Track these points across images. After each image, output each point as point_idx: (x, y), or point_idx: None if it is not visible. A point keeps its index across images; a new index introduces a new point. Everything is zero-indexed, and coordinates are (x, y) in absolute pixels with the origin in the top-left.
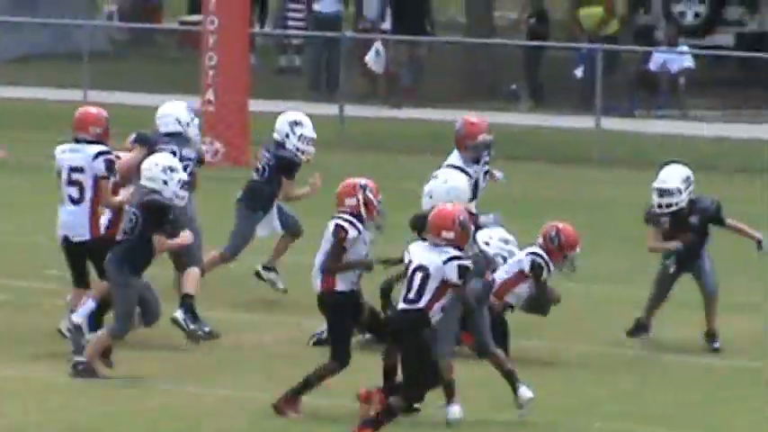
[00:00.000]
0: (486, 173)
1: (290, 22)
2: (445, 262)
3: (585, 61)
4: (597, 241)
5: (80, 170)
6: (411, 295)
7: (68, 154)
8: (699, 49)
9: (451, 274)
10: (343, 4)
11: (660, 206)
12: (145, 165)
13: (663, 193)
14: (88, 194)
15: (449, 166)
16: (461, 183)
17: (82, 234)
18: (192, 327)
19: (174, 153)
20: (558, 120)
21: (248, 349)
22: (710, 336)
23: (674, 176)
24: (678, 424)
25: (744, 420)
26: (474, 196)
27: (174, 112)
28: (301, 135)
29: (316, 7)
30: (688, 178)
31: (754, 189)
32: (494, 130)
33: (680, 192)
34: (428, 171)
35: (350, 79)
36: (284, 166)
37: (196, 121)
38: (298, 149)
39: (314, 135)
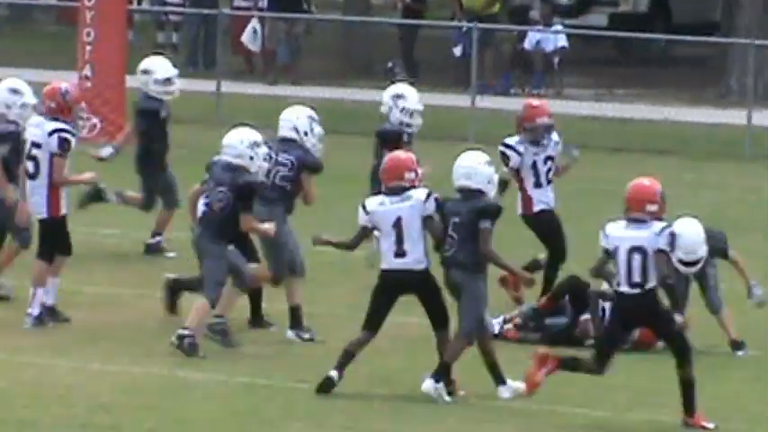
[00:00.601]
0: (547, 158)
1: None
2: (658, 234)
3: (464, 40)
4: None
5: (38, 146)
6: (636, 278)
7: (32, 129)
8: (573, 28)
9: (664, 243)
10: None
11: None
12: (229, 141)
13: None
14: (44, 170)
15: (502, 144)
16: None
17: (39, 212)
18: (306, 336)
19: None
20: (433, 98)
21: (123, 324)
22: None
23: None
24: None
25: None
26: (536, 178)
27: (292, 118)
28: (404, 108)
29: None
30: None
31: (626, 168)
32: (374, 108)
33: None
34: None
35: (226, 56)
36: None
37: (317, 129)
38: (401, 123)
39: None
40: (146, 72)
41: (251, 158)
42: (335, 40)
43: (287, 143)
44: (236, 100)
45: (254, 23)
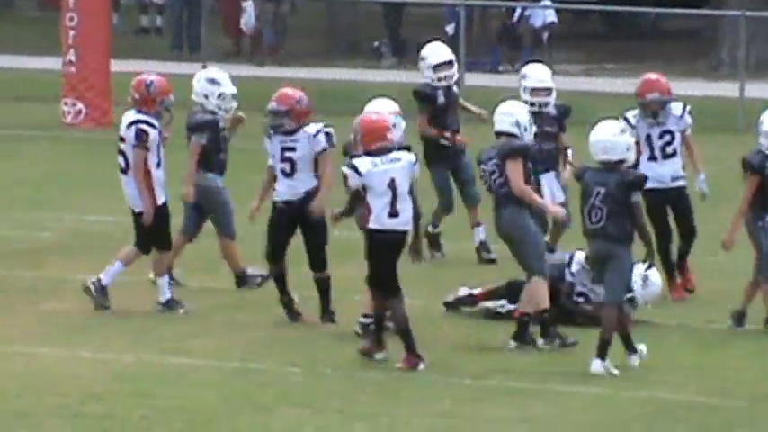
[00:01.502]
0: (664, 132)
1: None
2: None
3: (456, 17)
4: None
5: (123, 139)
6: None
7: (122, 124)
8: (562, 3)
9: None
10: None
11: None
12: (374, 109)
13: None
14: (131, 164)
15: (622, 117)
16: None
17: (135, 205)
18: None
19: None
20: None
21: (113, 311)
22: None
23: None
24: None
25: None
26: (650, 152)
27: (513, 111)
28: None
29: None
30: None
31: None
32: (361, 88)
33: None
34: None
35: (212, 39)
36: None
37: (530, 127)
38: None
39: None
40: (213, 82)
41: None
42: (321, 20)
43: None
44: None
45: (246, 4)
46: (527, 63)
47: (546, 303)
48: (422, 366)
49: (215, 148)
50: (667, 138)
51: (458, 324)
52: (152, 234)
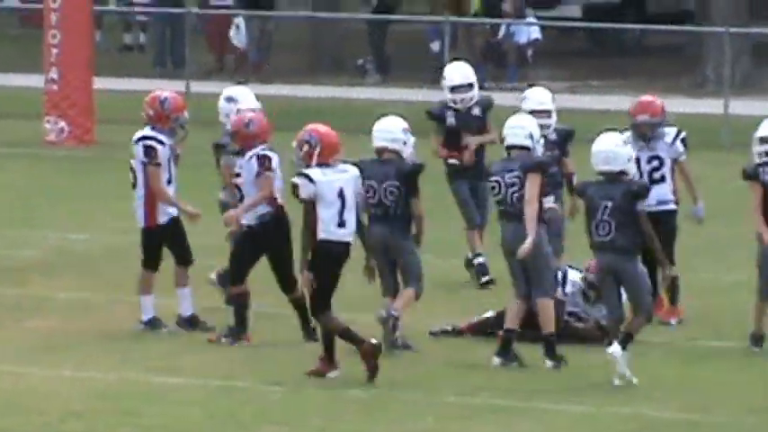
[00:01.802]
0: (652, 158)
1: None
2: None
3: (441, 35)
4: (437, 211)
5: (132, 156)
6: None
7: (132, 140)
8: (546, 20)
9: None
10: None
11: (760, 155)
12: (384, 126)
13: (764, 140)
14: (140, 180)
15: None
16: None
17: (140, 221)
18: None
19: None
20: (407, 93)
21: (96, 330)
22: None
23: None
24: None
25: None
26: (639, 175)
27: (525, 124)
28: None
29: None
30: None
31: None
32: (345, 105)
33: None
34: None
35: (195, 56)
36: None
37: (540, 140)
38: None
39: None
40: (230, 100)
41: (404, 143)
42: (305, 38)
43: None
44: (206, 99)
45: (239, 21)
46: (511, 81)
47: (552, 327)
48: (333, 374)
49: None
50: (655, 163)
51: (441, 341)
52: (144, 250)
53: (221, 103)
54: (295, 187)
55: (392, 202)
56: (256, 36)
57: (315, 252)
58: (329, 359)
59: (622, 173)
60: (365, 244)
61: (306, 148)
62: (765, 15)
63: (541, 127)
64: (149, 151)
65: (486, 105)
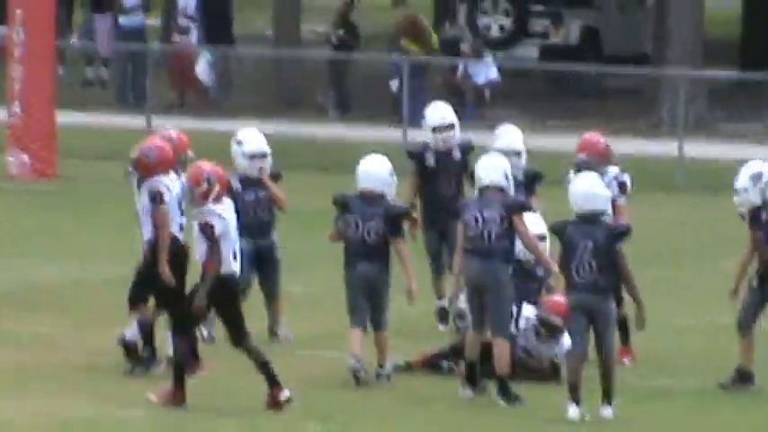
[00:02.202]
0: None
1: (98, 34)
2: None
3: (401, 74)
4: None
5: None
6: None
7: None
8: (504, 61)
9: None
10: (146, 15)
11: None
12: (372, 168)
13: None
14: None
15: None
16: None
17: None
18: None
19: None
20: (365, 131)
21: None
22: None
23: (740, 175)
24: None
25: None
26: None
27: (500, 164)
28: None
29: (120, 20)
30: (758, 175)
31: (560, 201)
32: (308, 142)
33: (745, 191)
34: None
35: (157, 91)
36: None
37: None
38: None
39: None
40: (237, 143)
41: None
42: (266, 74)
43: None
44: None
45: (207, 56)
46: (468, 120)
47: (507, 369)
48: (284, 396)
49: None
50: None
51: (398, 380)
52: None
53: (233, 145)
54: (210, 227)
55: (375, 242)
56: (218, 73)
57: (219, 288)
58: (272, 384)
59: (602, 213)
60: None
61: (204, 186)
62: (719, 59)
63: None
64: (154, 195)
65: (467, 148)
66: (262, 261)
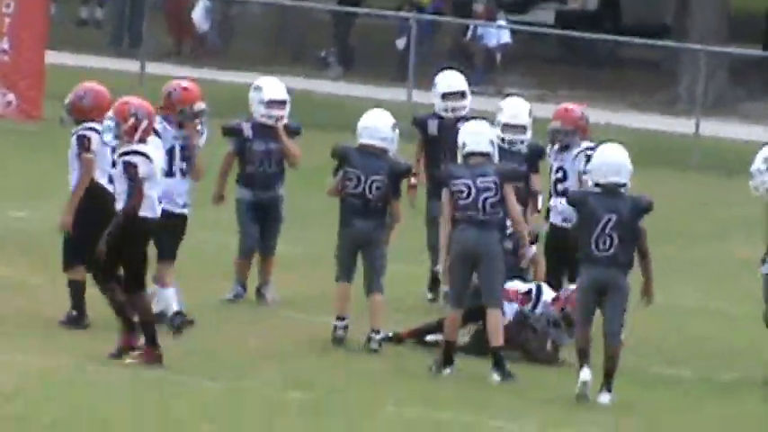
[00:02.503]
0: (558, 168)
1: None
2: None
3: (407, 31)
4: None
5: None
6: None
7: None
8: (518, 24)
9: None
10: None
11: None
12: (374, 123)
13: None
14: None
15: None
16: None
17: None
18: None
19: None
20: (368, 90)
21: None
22: None
23: (756, 158)
24: None
25: None
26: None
27: (485, 131)
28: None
29: None
30: None
31: None
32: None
33: (760, 173)
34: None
35: (153, 35)
36: None
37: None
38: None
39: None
40: (255, 89)
41: (391, 141)
42: (269, 25)
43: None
44: (161, 82)
45: (206, 1)
46: (477, 85)
47: (500, 340)
48: (161, 367)
49: (241, 158)
50: (560, 174)
51: (384, 347)
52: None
53: (250, 92)
54: (133, 167)
55: (376, 197)
56: (218, 20)
57: (131, 228)
58: (128, 332)
59: (624, 185)
60: None
61: (132, 121)
62: (744, 35)
63: (511, 143)
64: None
65: (535, 151)
66: (262, 214)
